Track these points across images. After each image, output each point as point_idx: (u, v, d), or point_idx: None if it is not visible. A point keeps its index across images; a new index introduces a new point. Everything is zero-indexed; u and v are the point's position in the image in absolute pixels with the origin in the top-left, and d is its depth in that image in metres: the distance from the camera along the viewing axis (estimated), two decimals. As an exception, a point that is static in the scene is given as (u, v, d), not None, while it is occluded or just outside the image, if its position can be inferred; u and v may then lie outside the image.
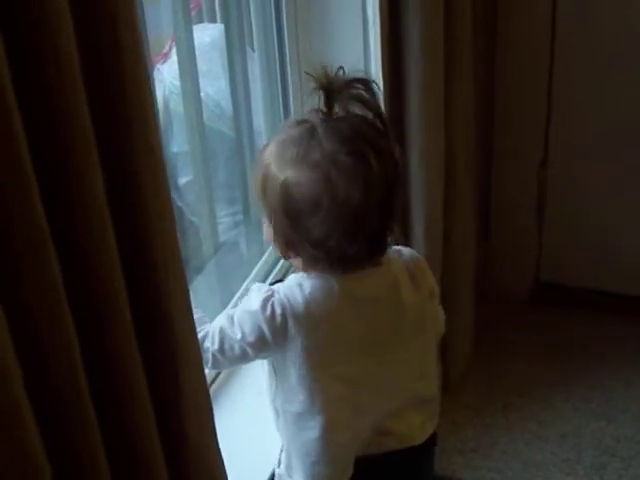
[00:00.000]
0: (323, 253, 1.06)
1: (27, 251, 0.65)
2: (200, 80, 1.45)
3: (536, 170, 2.25)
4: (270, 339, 1.09)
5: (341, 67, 1.04)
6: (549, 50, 2.10)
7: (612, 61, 2.07)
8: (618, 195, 2.22)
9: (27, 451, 0.67)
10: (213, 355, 1.12)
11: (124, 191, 0.77)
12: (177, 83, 1.55)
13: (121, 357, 0.79)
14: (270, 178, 1.05)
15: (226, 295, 1.58)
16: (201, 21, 1.73)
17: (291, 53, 1.62)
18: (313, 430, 1.14)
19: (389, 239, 1.11)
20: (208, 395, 0.98)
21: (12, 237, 0.64)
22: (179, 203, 1.70)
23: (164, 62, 1.70)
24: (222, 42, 1.61)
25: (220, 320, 1.14)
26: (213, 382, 1.48)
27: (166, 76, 1.68)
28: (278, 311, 1.07)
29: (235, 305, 1.52)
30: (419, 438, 1.24)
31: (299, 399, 1.13)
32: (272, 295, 1.09)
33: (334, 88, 1.04)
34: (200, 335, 1.10)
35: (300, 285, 1.09)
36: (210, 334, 1.13)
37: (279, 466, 1.23)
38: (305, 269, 1.11)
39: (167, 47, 1.69)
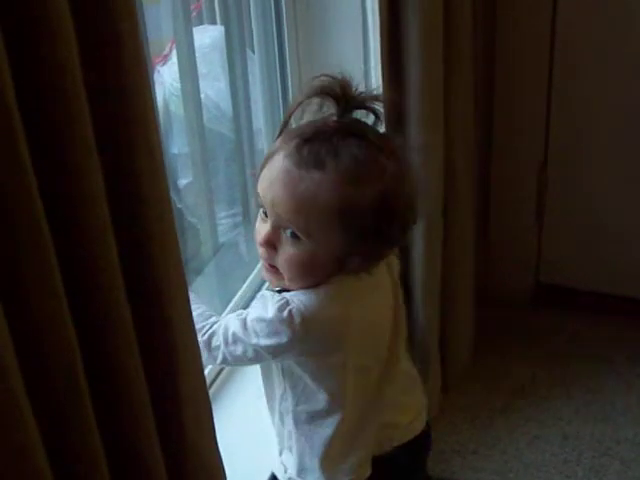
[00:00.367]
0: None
1: (27, 251, 0.65)
2: (200, 82, 1.45)
3: (536, 170, 2.25)
4: (287, 345, 1.07)
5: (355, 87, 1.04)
6: (549, 49, 2.10)
7: (613, 61, 2.07)
8: (618, 195, 2.22)
9: (27, 453, 0.67)
10: (223, 354, 1.11)
11: (124, 192, 0.77)
12: (177, 85, 1.55)
13: (121, 358, 0.79)
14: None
15: (226, 296, 1.58)
16: (201, 23, 1.74)
17: (291, 55, 1.62)
18: (330, 427, 1.15)
19: None
20: (207, 396, 0.98)
21: (12, 237, 0.64)
22: (179, 204, 1.71)
23: (164, 64, 1.70)
24: (222, 44, 1.61)
25: (232, 322, 1.11)
26: (213, 383, 1.48)
27: (166, 78, 1.69)
28: (297, 319, 1.05)
29: (235, 307, 1.53)
30: (420, 426, 1.28)
31: (317, 398, 1.14)
32: (287, 303, 1.07)
33: (349, 103, 1.04)
34: (209, 331, 1.11)
35: (314, 291, 1.08)
36: (221, 334, 1.11)
37: (285, 472, 1.23)
38: (318, 283, 1.09)
39: (167, 49, 1.69)
